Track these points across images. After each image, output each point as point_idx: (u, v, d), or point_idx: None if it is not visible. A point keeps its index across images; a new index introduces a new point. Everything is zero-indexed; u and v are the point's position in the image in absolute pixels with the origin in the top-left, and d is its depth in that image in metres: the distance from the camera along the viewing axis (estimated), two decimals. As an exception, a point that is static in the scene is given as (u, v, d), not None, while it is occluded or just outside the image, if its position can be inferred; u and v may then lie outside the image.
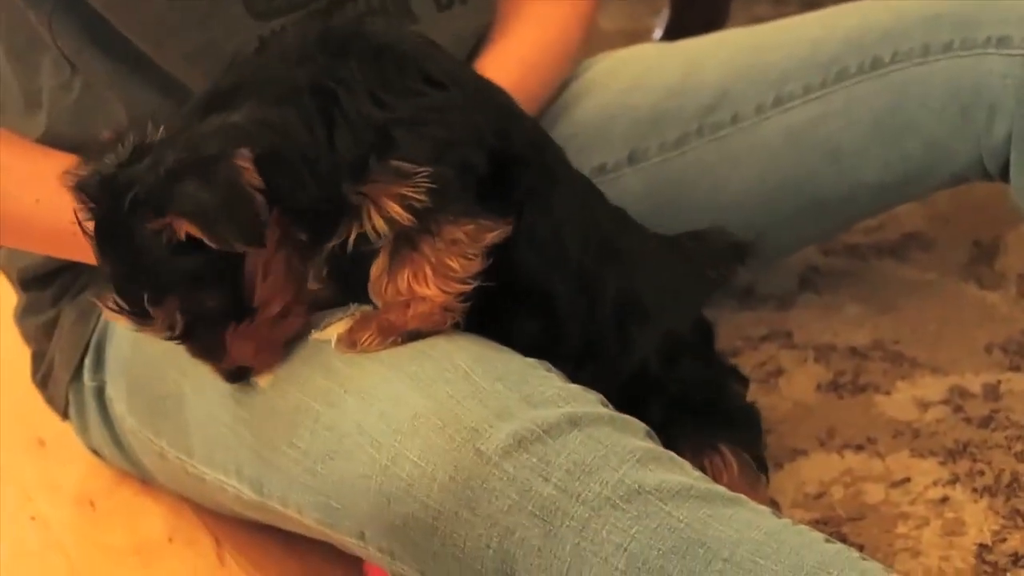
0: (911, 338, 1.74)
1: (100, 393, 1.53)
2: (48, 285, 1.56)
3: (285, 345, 1.27)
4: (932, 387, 1.65)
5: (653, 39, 2.43)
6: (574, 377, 1.26)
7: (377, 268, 1.25)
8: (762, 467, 1.43)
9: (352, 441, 1.20)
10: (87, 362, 1.53)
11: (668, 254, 1.42)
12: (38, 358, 1.61)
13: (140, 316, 1.20)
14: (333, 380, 1.23)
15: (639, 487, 1.14)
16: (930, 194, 1.72)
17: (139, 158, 1.18)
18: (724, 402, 1.45)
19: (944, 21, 1.53)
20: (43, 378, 1.60)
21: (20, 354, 1.65)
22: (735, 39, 1.68)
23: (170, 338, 1.22)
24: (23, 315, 1.61)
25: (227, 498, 1.37)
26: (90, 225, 1.20)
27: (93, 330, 1.53)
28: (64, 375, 1.56)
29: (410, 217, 1.20)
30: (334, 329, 1.27)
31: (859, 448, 1.57)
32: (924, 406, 1.62)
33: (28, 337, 1.62)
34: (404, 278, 1.23)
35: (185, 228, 1.15)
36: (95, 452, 1.62)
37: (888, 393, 1.65)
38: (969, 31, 1.50)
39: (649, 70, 1.67)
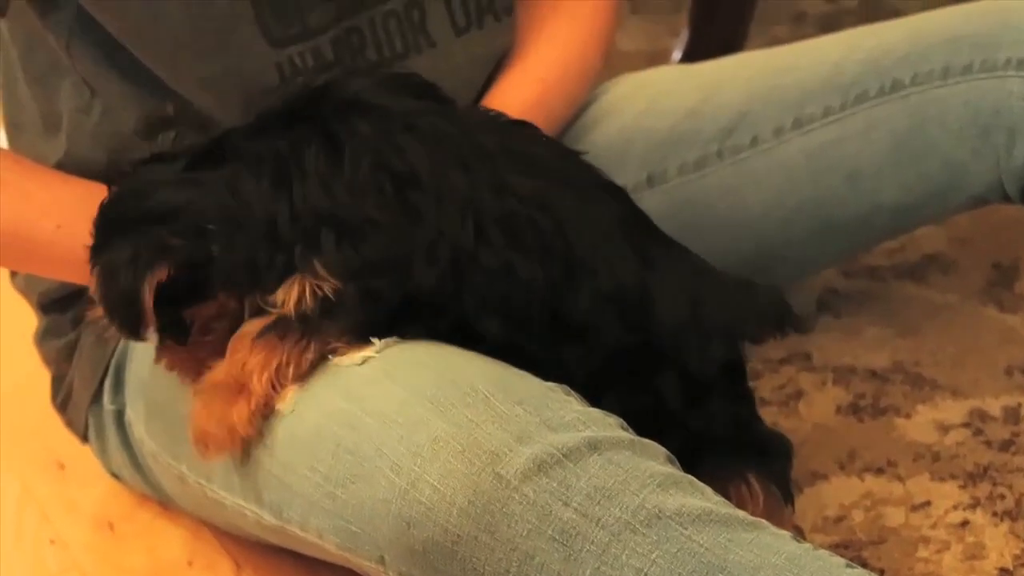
0: (931, 361, 1.74)
1: (120, 416, 1.53)
2: (68, 308, 1.56)
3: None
4: (952, 410, 1.65)
5: (672, 60, 2.43)
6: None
7: (249, 328, 1.27)
8: (788, 497, 1.43)
9: (372, 465, 1.20)
10: (106, 385, 1.53)
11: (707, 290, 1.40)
12: (58, 381, 1.61)
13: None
14: (353, 403, 1.23)
15: (659, 512, 1.14)
16: (949, 216, 1.72)
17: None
18: (753, 433, 1.43)
19: (964, 43, 1.52)
20: (63, 402, 1.60)
21: (40, 377, 1.66)
22: (754, 61, 1.68)
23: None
24: (43, 338, 1.61)
25: (247, 523, 1.37)
26: None
27: (113, 353, 1.53)
28: (84, 399, 1.56)
29: (310, 306, 1.25)
30: (356, 355, 1.27)
31: (879, 471, 1.56)
32: (944, 429, 1.62)
33: (48, 360, 1.62)
34: (252, 361, 1.26)
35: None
36: (115, 475, 1.63)
37: (908, 416, 1.65)
38: (989, 53, 1.50)
39: (668, 92, 1.66)
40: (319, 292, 1.25)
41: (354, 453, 1.21)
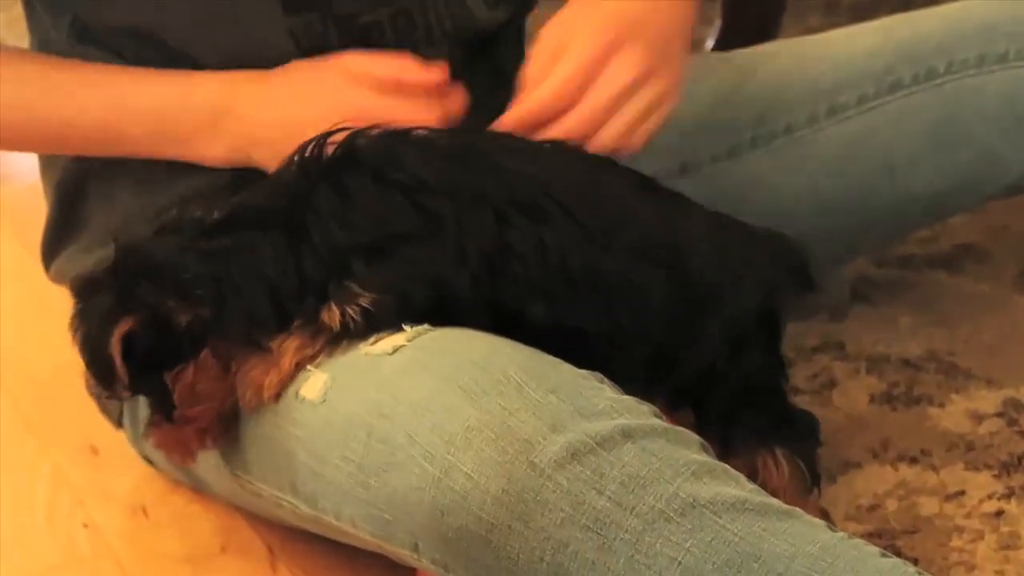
0: (965, 350, 1.73)
1: (154, 403, 1.53)
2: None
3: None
4: (986, 399, 1.64)
5: (705, 48, 2.42)
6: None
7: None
8: (815, 478, 1.43)
9: (404, 454, 1.20)
10: (141, 375, 1.54)
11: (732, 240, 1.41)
12: (92, 367, 1.61)
13: None
14: (385, 392, 1.23)
15: (694, 500, 1.13)
16: (984, 205, 1.71)
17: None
18: (783, 406, 1.44)
19: (999, 31, 1.52)
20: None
21: (72, 362, 1.66)
22: (788, 49, 1.68)
23: None
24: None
25: (283, 513, 1.37)
26: None
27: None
28: (118, 385, 1.56)
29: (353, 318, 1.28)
30: (387, 343, 1.27)
31: (913, 461, 1.56)
32: (978, 419, 1.62)
33: (82, 345, 1.62)
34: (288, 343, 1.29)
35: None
36: (148, 460, 1.63)
37: (942, 405, 1.64)
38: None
39: (701, 80, 1.66)
40: (358, 307, 1.27)
41: (386, 442, 1.21)
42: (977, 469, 1.54)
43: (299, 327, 1.28)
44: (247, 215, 1.32)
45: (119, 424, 1.61)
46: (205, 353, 1.29)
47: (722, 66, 1.68)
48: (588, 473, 1.14)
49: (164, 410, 1.33)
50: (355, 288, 1.27)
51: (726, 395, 1.38)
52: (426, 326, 1.27)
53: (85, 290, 1.33)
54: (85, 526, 1.62)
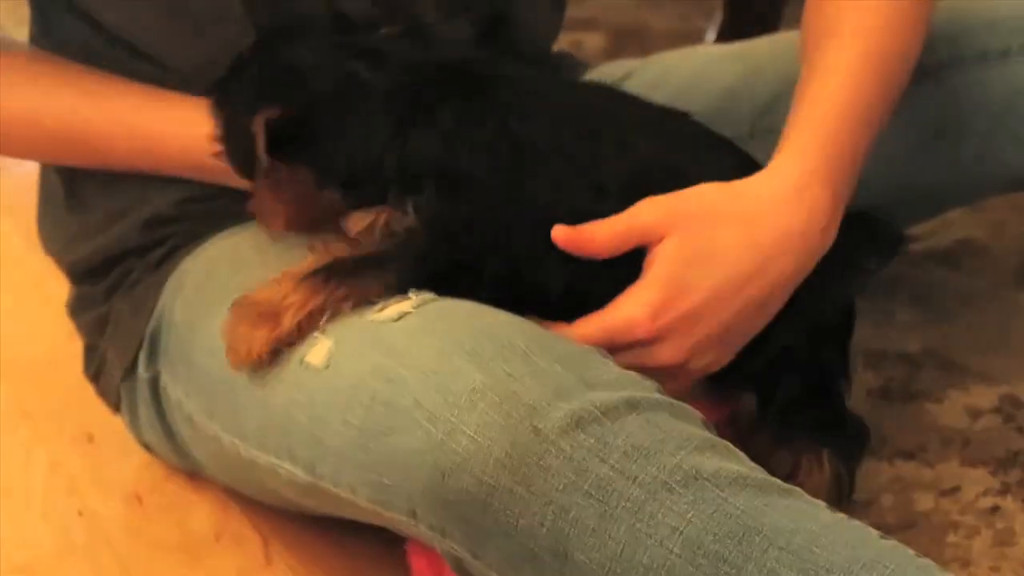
0: (962, 346, 1.73)
1: (154, 383, 1.52)
2: (101, 279, 1.56)
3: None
4: (983, 395, 1.65)
5: (706, 40, 2.42)
6: None
7: (300, 268, 1.30)
8: (850, 490, 1.43)
9: (408, 416, 1.20)
10: (141, 355, 1.53)
11: None
12: (91, 352, 1.61)
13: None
14: (391, 357, 1.23)
15: (696, 472, 1.14)
16: (983, 199, 1.71)
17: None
18: (841, 406, 1.45)
19: (1002, 27, 1.52)
20: (96, 372, 1.61)
21: (68, 350, 1.66)
22: (792, 42, 1.68)
23: None
24: (76, 309, 1.61)
25: (280, 482, 1.37)
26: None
27: (147, 323, 1.53)
28: (117, 369, 1.56)
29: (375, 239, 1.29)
30: (393, 310, 1.27)
31: (909, 456, 1.56)
32: (975, 414, 1.62)
33: (81, 331, 1.62)
34: (291, 298, 1.29)
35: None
36: (146, 446, 1.63)
37: (939, 401, 1.64)
38: None
39: (705, 72, 1.66)
40: (391, 227, 1.28)
41: (389, 405, 1.21)
42: (973, 465, 1.54)
43: (305, 278, 1.29)
44: (394, 62, 1.32)
45: (117, 409, 1.60)
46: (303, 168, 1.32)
47: (727, 58, 1.69)
48: (592, 441, 1.15)
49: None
50: (409, 206, 1.28)
51: (794, 386, 1.39)
52: (431, 295, 1.28)
53: (224, 80, 1.35)
54: (80, 514, 1.62)
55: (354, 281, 1.28)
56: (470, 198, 1.29)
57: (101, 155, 1.48)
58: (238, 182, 1.38)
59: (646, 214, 1.31)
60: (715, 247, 1.31)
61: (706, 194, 1.32)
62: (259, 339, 1.29)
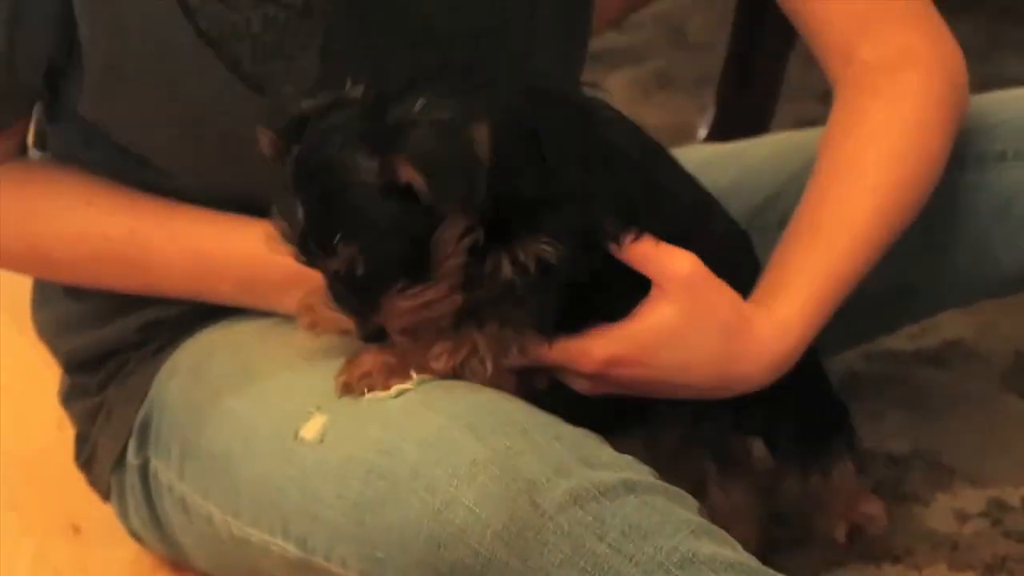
0: (951, 448, 1.73)
1: (143, 470, 1.52)
2: (96, 371, 1.56)
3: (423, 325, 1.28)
4: (971, 499, 1.65)
5: (698, 135, 2.43)
6: None
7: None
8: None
9: (406, 487, 1.20)
10: (131, 443, 1.53)
11: None
12: (82, 440, 1.61)
13: (324, 253, 1.22)
14: (389, 431, 1.24)
15: (693, 555, 1.15)
16: (978, 302, 1.72)
17: (341, 108, 1.23)
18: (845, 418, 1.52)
19: (1000, 131, 1.53)
20: (87, 461, 1.60)
21: (56, 441, 1.66)
22: (789, 143, 1.70)
23: (336, 278, 1.23)
24: (68, 398, 1.61)
25: (271, 561, 1.36)
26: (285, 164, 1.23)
27: (138, 411, 1.53)
28: (108, 459, 1.56)
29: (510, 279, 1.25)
30: (393, 389, 1.28)
31: (896, 559, 1.56)
32: (963, 518, 1.61)
33: (73, 419, 1.62)
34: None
35: (407, 173, 1.17)
36: (135, 535, 1.62)
37: (927, 504, 1.64)
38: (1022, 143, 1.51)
39: (701, 172, 1.67)
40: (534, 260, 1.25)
41: (386, 477, 1.22)
42: (960, 570, 1.54)
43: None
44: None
45: (107, 497, 1.60)
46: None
47: (725, 157, 1.71)
48: (590, 519, 1.15)
49: None
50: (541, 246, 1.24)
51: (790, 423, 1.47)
52: (429, 376, 1.28)
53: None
54: (64, 606, 1.62)
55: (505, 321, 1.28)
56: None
57: (155, 275, 1.46)
58: (288, 305, 1.35)
59: (682, 257, 1.31)
60: (699, 344, 1.32)
61: (727, 294, 1.33)
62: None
